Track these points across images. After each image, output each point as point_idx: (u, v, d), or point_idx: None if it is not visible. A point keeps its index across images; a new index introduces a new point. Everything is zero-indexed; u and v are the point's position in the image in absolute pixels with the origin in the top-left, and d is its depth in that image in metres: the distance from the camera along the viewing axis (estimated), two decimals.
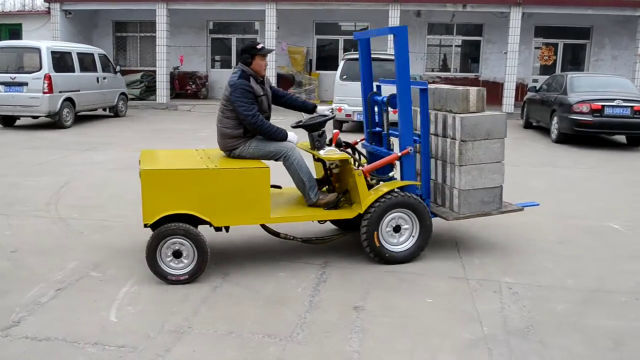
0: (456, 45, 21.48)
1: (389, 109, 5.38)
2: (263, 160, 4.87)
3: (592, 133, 12.03)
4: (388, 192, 4.89)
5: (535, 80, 19.12)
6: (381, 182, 5.26)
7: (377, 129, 5.75)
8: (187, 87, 21.11)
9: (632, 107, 11.62)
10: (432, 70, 21.36)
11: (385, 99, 5.38)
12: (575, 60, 20.82)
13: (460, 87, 5.23)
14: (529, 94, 15.40)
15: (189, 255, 4.46)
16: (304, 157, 5.06)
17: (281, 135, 4.91)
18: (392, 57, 13.79)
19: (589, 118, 11.73)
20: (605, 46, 20.26)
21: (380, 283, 4.60)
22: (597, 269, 5.06)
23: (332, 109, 5.27)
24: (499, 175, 5.24)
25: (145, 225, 4.42)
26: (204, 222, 4.55)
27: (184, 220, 4.44)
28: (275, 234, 5.05)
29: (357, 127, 14.50)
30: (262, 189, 4.58)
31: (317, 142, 5.04)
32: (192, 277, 4.46)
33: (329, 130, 5.07)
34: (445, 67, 21.48)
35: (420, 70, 20.58)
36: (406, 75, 4.94)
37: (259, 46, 4.94)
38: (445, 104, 5.30)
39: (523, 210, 5.52)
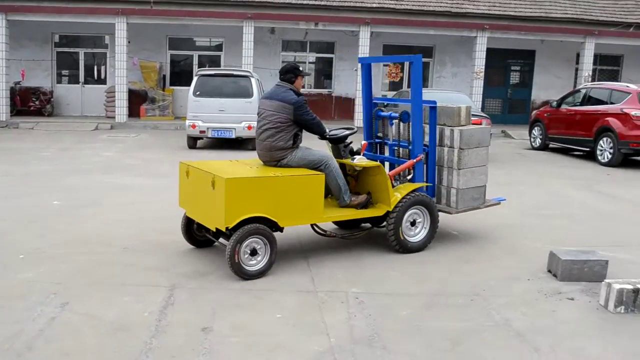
0: (310, 62, 22.00)
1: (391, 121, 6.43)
2: (305, 167, 5.51)
3: None
4: (409, 193, 5.77)
5: (384, 96, 20.03)
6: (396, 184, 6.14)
7: (378, 140, 6.68)
8: (29, 103, 19.77)
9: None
10: None
11: (394, 115, 6.28)
12: None
13: (452, 105, 6.32)
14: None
15: (263, 253, 5.05)
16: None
17: (323, 132, 5.81)
18: (245, 74, 14.01)
19: None
20: (447, 64, 21.73)
21: (230, 302, 4.55)
22: (439, 273, 5.36)
23: (354, 129, 5.98)
24: (485, 176, 6.40)
25: (227, 229, 4.90)
26: (273, 224, 5.13)
27: (256, 222, 5.01)
28: (323, 233, 5.81)
29: (212, 144, 14.38)
30: (318, 192, 5.32)
31: (342, 152, 5.91)
32: (264, 273, 5.07)
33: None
34: None
35: None
36: (419, 97, 5.88)
37: (301, 68, 5.79)
38: (440, 119, 6.21)
39: (500, 204, 6.72)
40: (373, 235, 6.46)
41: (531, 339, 4.07)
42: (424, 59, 21.41)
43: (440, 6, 20.91)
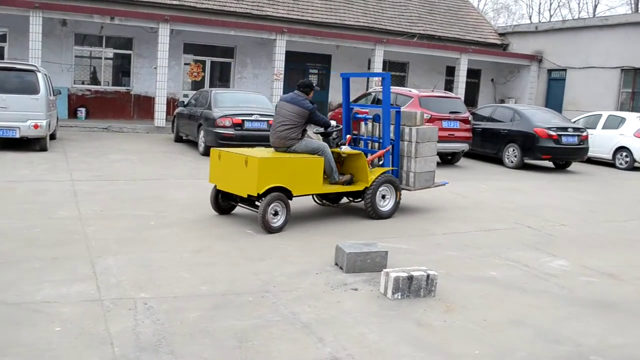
0: (107, 58, 20.91)
1: (369, 122, 8.64)
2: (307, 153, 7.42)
3: (234, 145, 12.84)
4: (381, 174, 7.85)
5: (185, 96, 19.72)
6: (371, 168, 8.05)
7: (354, 136, 8.73)
8: None
9: (267, 121, 12.78)
10: (82, 83, 20.41)
11: (367, 117, 8.61)
12: (223, 77, 22.08)
13: (411, 110, 9.41)
14: (179, 109, 15.82)
15: (282, 214, 6.94)
16: None
17: (328, 125, 7.92)
18: (31, 68, 12.89)
19: (231, 131, 12.56)
20: (248, 65, 21.97)
21: (3, 319, 4.14)
22: (230, 273, 5.37)
23: (337, 124, 8.24)
24: (434, 164, 8.66)
25: (258, 195, 6.76)
26: (288, 193, 7.02)
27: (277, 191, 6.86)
28: (322, 203, 8.25)
29: None
30: (319, 170, 7.36)
31: (332, 143, 7.95)
32: (282, 228, 6.93)
33: None
34: (95, 80, 20.73)
35: (68, 82, 19.51)
36: (388, 105, 8.09)
37: (315, 84, 7.80)
38: (401, 120, 8.38)
39: (445, 185, 9.35)
40: (164, 238, 6.31)
41: (316, 330, 4.24)
42: (226, 59, 21.72)
43: (241, 8, 21.14)
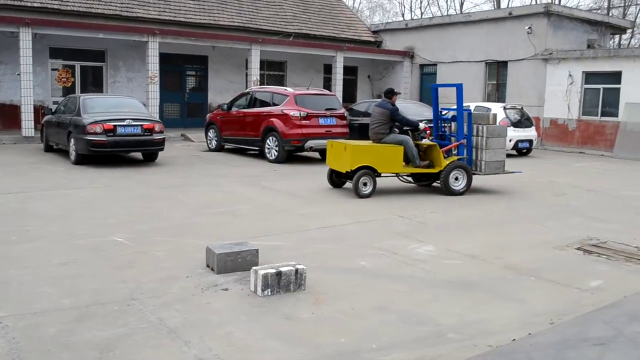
0: None
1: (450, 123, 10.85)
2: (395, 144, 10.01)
3: (108, 152, 12.41)
4: (454, 160, 10.20)
5: (55, 103, 18.70)
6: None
7: (441, 133, 10.96)
8: None
9: (141, 125, 12.43)
10: None
11: (449, 117, 10.75)
12: (95, 81, 21.19)
13: (486, 113, 11.44)
14: (47, 117, 15.02)
15: (369, 185, 9.74)
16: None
17: (416, 124, 10.46)
18: None
19: (103, 138, 12.07)
20: (121, 68, 21.22)
21: None
22: (96, 284, 5.17)
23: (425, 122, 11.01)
24: (503, 155, 10.72)
25: (345, 171, 9.85)
26: (374, 171, 9.85)
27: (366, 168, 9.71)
28: (404, 180, 10.76)
29: None
30: (398, 155, 9.91)
31: (416, 136, 10.43)
32: (370, 195, 9.78)
33: None
34: None
35: None
36: (461, 109, 10.29)
37: (396, 90, 10.71)
38: (477, 120, 10.64)
39: (522, 172, 12.07)
40: (18, 254, 5.98)
41: (183, 333, 4.18)
42: (98, 63, 20.85)
43: (110, 9, 20.39)
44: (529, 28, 21.15)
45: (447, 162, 10.16)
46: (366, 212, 8.59)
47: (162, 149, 13.13)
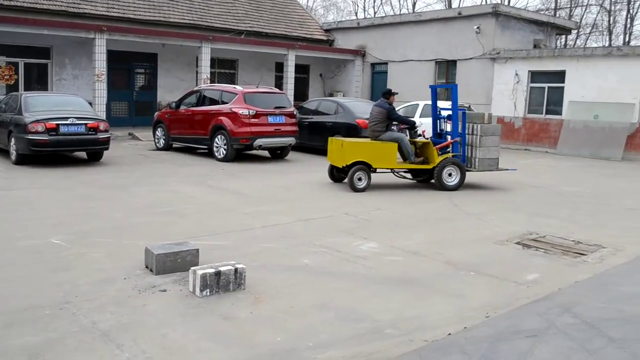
0: None
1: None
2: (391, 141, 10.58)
3: (50, 152, 12.09)
4: (447, 157, 10.66)
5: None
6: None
7: (439, 132, 11.43)
8: None
9: (85, 124, 12.15)
10: None
11: (446, 117, 11.21)
12: (40, 79, 20.62)
13: (480, 112, 11.59)
14: None
15: (364, 179, 10.29)
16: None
17: (412, 123, 11.27)
18: None
19: (45, 137, 11.74)
20: (67, 66, 20.70)
21: None
22: (29, 287, 5.03)
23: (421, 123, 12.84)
24: (496, 152, 11.10)
25: (342, 166, 10.48)
26: (369, 166, 10.42)
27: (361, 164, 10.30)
28: (398, 175, 11.39)
29: None
30: (392, 152, 10.48)
31: (412, 135, 11.09)
32: (365, 189, 10.30)
33: None
34: None
35: None
36: (456, 108, 10.80)
37: (393, 90, 11.21)
38: (472, 119, 11.08)
39: (516, 170, 12.38)
40: None
41: (116, 336, 4.09)
42: (43, 60, 20.28)
43: (56, 5, 19.87)
44: (478, 28, 21.53)
45: (441, 159, 10.68)
46: (313, 210, 8.59)
47: (107, 149, 12.86)
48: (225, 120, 13.72)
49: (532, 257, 6.61)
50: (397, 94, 11.46)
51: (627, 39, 39.52)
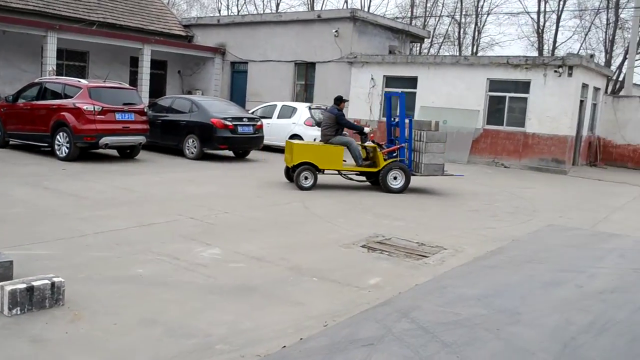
0: None
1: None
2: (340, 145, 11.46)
3: None
4: (392, 162, 11.39)
5: None
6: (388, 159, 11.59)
7: (392, 138, 12.09)
8: None
9: None
10: None
11: (395, 123, 11.96)
12: None
13: (427, 120, 12.08)
14: None
15: (310, 179, 11.11)
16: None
17: (360, 129, 12.14)
18: None
19: None
20: None
21: None
22: None
23: (371, 128, 13.95)
24: (442, 159, 11.58)
25: (291, 166, 11.27)
26: (315, 167, 11.23)
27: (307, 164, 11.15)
28: (346, 177, 11.95)
29: None
30: (339, 154, 11.30)
31: (362, 139, 12.02)
32: (311, 189, 11.05)
33: None
34: None
35: None
36: (403, 116, 11.51)
37: (344, 97, 12.14)
38: (420, 126, 11.68)
39: (463, 176, 13.49)
40: None
41: None
42: None
43: None
44: (336, 31, 21.84)
45: (386, 163, 11.33)
46: (156, 214, 8.09)
47: None
48: (68, 116, 12.71)
49: (376, 260, 6.61)
50: (347, 101, 12.31)
51: (475, 50, 42.15)
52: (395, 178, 11.42)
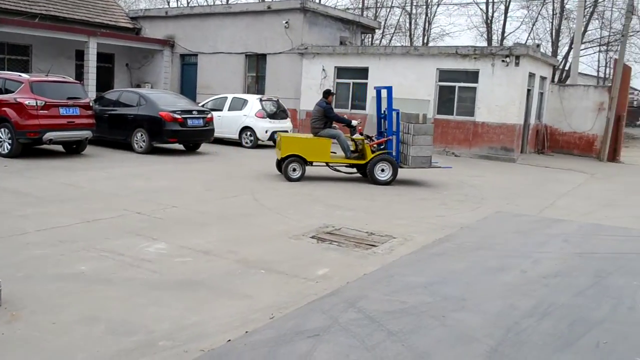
0: None
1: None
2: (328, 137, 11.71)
3: None
4: (379, 154, 11.55)
5: None
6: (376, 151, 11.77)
7: (382, 131, 12.03)
8: None
9: None
10: None
11: (384, 115, 11.80)
12: None
13: (415, 113, 11.83)
14: None
15: (298, 170, 11.40)
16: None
17: (348, 122, 12.04)
18: None
19: None
20: None
21: None
22: None
23: (359, 121, 12.50)
24: (429, 151, 11.66)
25: (281, 158, 11.50)
26: (304, 159, 11.46)
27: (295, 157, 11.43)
28: (334, 169, 12.09)
29: None
30: (327, 147, 11.57)
31: (351, 132, 12.24)
32: (300, 180, 11.33)
33: None
34: None
35: None
36: (391, 109, 11.47)
37: (332, 90, 14.99)
38: (407, 119, 11.68)
39: (451, 168, 13.42)
40: None
41: None
42: None
43: None
44: (286, 23, 21.72)
45: (374, 155, 11.48)
46: (102, 210, 7.90)
47: None
48: (10, 112, 12.28)
49: (325, 250, 6.61)
50: (334, 94, 12.50)
51: (425, 41, 42.57)
52: (382, 170, 11.58)
